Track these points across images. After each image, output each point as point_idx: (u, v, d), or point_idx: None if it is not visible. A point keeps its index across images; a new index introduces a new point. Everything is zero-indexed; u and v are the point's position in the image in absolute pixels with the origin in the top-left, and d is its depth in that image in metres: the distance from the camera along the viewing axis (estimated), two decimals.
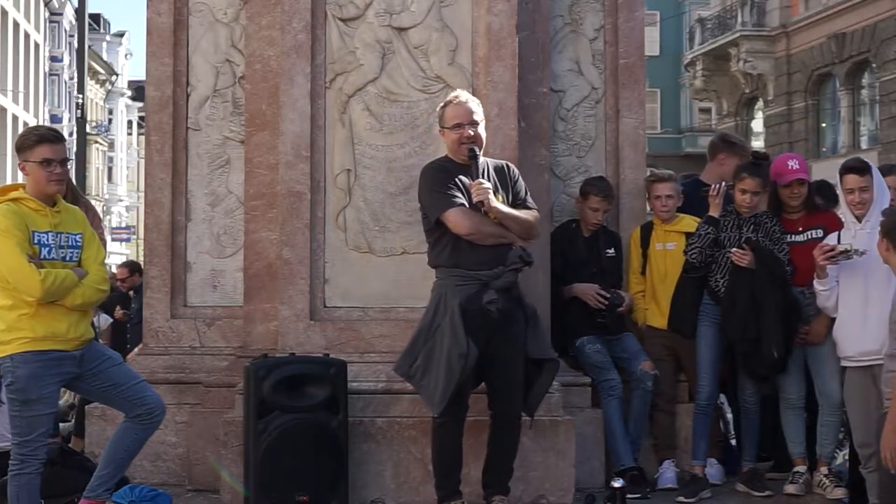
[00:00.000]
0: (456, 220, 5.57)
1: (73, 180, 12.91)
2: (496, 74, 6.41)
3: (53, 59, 48.67)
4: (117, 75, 60.33)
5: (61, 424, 8.48)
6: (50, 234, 5.19)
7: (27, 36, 44.06)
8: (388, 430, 6.15)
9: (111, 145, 59.47)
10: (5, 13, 40.88)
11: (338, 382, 5.96)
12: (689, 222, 6.85)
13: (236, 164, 7.05)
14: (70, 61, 45.77)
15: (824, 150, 30.50)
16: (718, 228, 6.52)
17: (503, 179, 5.74)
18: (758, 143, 31.55)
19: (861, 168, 6.03)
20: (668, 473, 6.68)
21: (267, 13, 6.78)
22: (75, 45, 30.44)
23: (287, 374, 5.93)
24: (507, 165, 5.85)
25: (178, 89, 7.16)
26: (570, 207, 7.12)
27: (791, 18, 31.39)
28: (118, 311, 11.82)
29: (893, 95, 27.30)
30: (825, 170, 13.93)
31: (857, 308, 5.84)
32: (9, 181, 30.86)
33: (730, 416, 7.48)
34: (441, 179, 5.66)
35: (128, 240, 51.37)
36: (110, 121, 59.89)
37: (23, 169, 5.27)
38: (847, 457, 6.51)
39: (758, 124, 34.54)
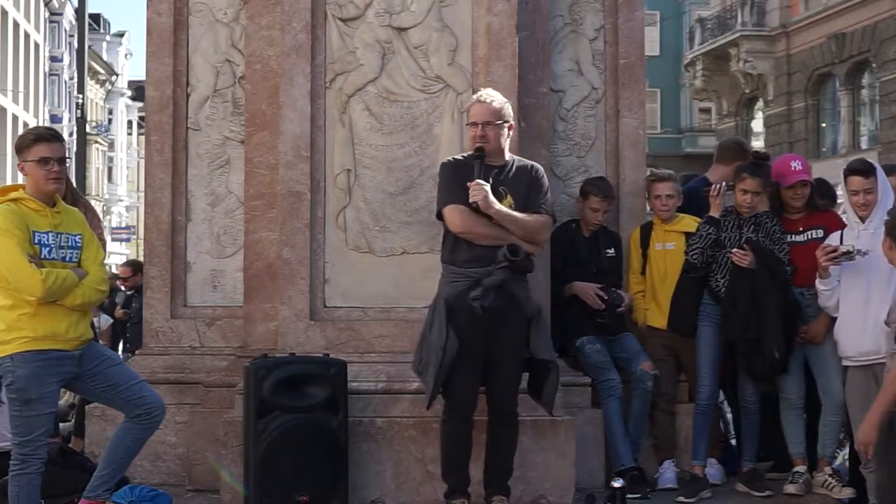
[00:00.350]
0: (451, 217, 5.65)
1: (73, 180, 12.95)
2: (496, 74, 6.41)
3: (53, 59, 48.66)
4: (117, 75, 60.33)
5: (61, 424, 8.47)
6: (50, 234, 5.20)
7: (27, 36, 44.05)
8: (388, 430, 6.15)
9: (111, 145, 59.46)
10: (5, 13, 40.88)
11: (338, 382, 5.96)
12: (689, 222, 6.86)
13: (236, 164, 7.05)
14: (70, 61, 45.76)
15: (824, 150, 30.50)
16: (719, 229, 6.52)
17: (519, 180, 5.74)
18: (758, 143, 31.53)
19: (866, 170, 6.02)
20: (668, 473, 6.68)
21: (267, 13, 6.78)
22: (75, 45, 30.44)
23: (287, 374, 5.93)
24: (533, 167, 5.84)
25: (178, 89, 7.16)
26: (570, 207, 7.12)
27: (791, 18, 31.40)
28: (118, 310, 11.83)
29: (893, 95, 27.31)
30: (825, 170, 13.92)
31: (857, 308, 5.85)
32: (9, 181, 30.89)
33: (730, 416, 7.49)
34: (450, 175, 5.73)
35: (128, 240, 51.37)
36: (110, 121, 59.88)
37: (22, 169, 5.30)
38: (847, 457, 6.51)
39: (758, 124, 34.54)
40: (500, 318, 5.60)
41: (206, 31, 7.20)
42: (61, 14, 49.48)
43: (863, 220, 5.99)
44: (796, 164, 6.64)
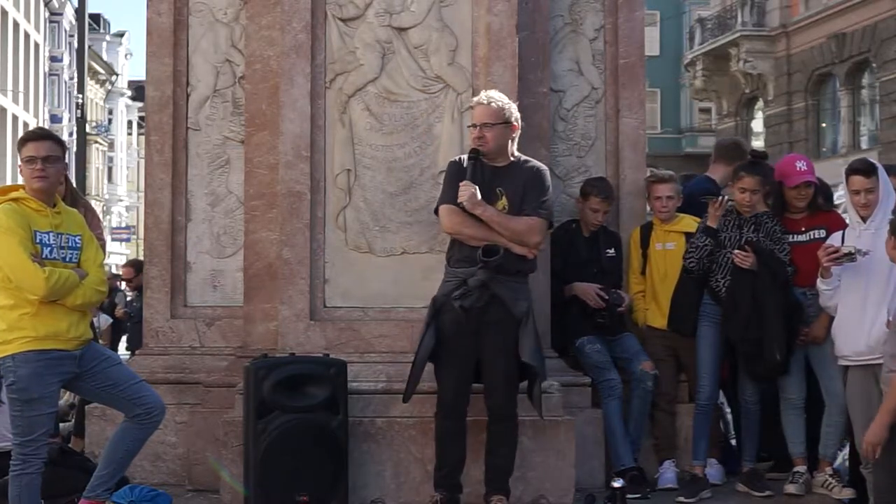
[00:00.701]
0: (441, 217, 5.77)
1: (73, 180, 12.95)
2: (496, 74, 6.41)
3: (53, 59, 48.65)
4: (117, 75, 60.33)
5: (61, 424, 8.47)
6: (51, 234, 5.21)
7: (27, 36, 44.04)
8: (388, 430, 6.15)
9: (111, 145, 59.46)
10: (5, 13, 40.87)
11: (338, 382, 5.96)
12: (689, 222, 6.86)
13: (236, 164, 7.05)
14: (70, 61, 45.75)
15: (824, 150, 30.50)
16: (716, 239, 6.51)
17: (518, 182, 5.76)
18: (758, 143, 31.52)
19: (867, 170, 6.01)
20: (668, 473, 6.68)
21: (267, 13, 6.78)
22: (75, 45, 30.42)
23: (287, 374, 5.93)
24: (536, 169, 5.85)
25: (178, 89, 7.16)
26: (570, 207, 7.12)
27: (791, 18, 31.40)
28: (119, 310, 11.85)
29: (893, 95, 27.31)
30: (825, 170, 13.90)
31: (856, 308, 5.84)
32: (9, 181, 30.91)
33: (730, 416, 7.49)
34: (449, 175, 5.81)
35: (128, 240, 51.39)
36: (110, 121, 59.88)
37: (20, 170, 5.32)
38: (847, 457, 6.51)
39: (758, 124, 34.54)
40: (485, 318, 5.64)
41: (206, 31, 7.19)
42: (61, 14, 49.48)
43: (864, 219, 5.98)
44: (801, 165, 6.63)
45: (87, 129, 28.98)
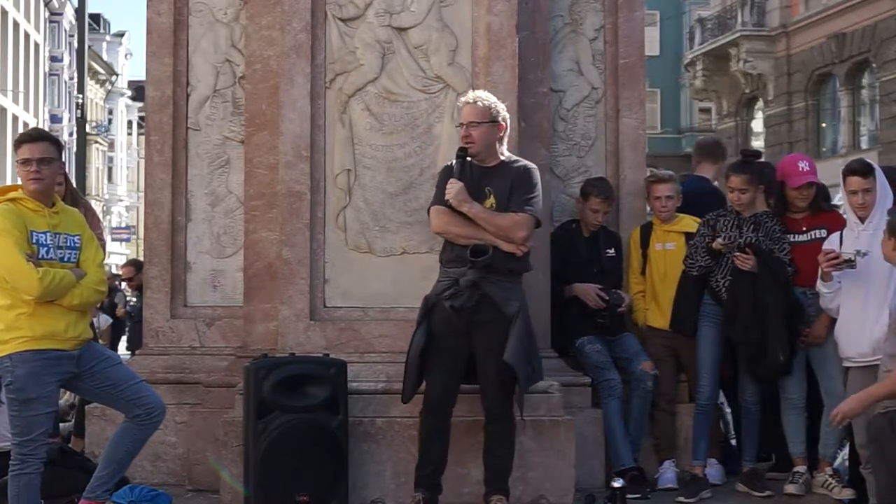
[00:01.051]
0: (431, 217, 5.79)
1: (73, 180, 12.97)
2: (496, 74, 6.41)
3: (53, 59, 48.67)
4: (117, 75, 60.34)
5: (61, 424, 8.47)
6: (48, 234, 5.20)
7: (27, 36, 44.05)
8: (388, 430, 6.15)
9: (111, 145, 59.48)
10: (5, 13, 40.88)
11: (338, 382, 5.96)
12: (689, 222, 6.86)
13: (236, 164, 7.05)
14: (70, 61, 45.78)
15: (824, 150, 30.50)
16: (716, 260, 6.51)
17: (506, 180, 5.74)
18: (758, 143, 31.57)
19: (864, 170, 6.01)
20: (668, 473, 6.68)
21: (267, 13, 6.78)
22: (75, 45, 30.45)
23: (287, 374, 5.92)
24: (523, 167, 5.83)
25: (178, 89, 7.16)
26: (570, 207, 7.12)
27: (791, 18, 31.40)
28: (119, 309, 11.86)
29: (893, 95, 27.32)
30: (825, 170, 13.89)
31: (857, 308, 5.84)
32: (9, 181, 30.91)
33: (730, 416, 7.49)
34: (442, 177, 5.81)
35: (128, 240, 51.41)
36: (110, 121, 59.91)
37: (18, 171, 5.32)
38: (847, 457, 6.51)
39: (758, 124, 34.54)
40: (476, 318, 5.64)
41: (206, 31, 7.19)
42: (61, 14, 49.49)
43: (862, 220, 5.98)
44: (804, 165, 6.63)
45: (87, 129, 29.00)
